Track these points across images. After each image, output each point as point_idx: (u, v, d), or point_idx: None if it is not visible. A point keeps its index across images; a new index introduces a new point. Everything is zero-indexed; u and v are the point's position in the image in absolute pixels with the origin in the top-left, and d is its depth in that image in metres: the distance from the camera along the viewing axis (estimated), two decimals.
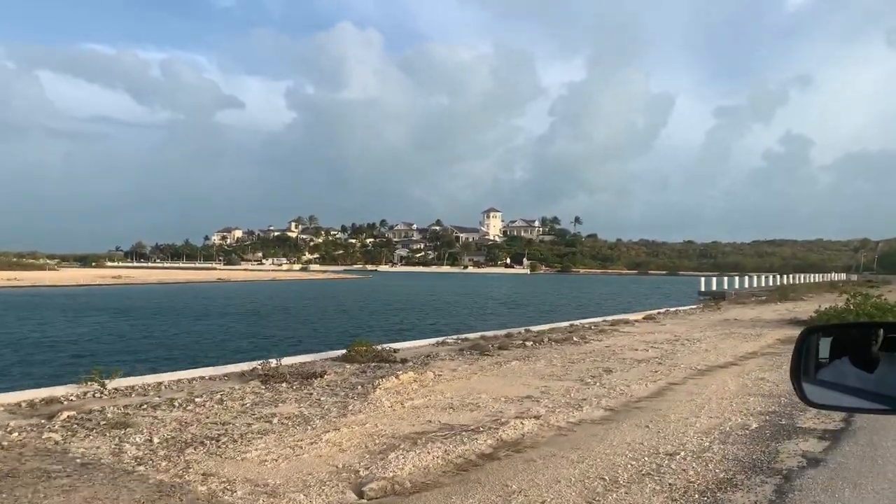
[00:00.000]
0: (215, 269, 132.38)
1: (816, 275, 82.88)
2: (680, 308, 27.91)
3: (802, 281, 71.62)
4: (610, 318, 22.61)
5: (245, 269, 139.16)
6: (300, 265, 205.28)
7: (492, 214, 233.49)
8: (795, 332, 17.87)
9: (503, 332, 16.69)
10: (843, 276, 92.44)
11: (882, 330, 1.78)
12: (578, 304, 48.52)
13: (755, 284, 57.88)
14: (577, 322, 20.89)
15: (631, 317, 22.96)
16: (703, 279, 49.60)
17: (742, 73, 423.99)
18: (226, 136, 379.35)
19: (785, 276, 70.85)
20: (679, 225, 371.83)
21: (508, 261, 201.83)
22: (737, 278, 56.51)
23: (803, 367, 1.94)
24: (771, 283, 59.62)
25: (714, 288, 49.90)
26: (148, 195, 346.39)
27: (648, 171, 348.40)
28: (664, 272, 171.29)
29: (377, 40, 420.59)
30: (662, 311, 25.99)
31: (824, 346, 1.91)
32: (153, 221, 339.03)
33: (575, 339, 15.25)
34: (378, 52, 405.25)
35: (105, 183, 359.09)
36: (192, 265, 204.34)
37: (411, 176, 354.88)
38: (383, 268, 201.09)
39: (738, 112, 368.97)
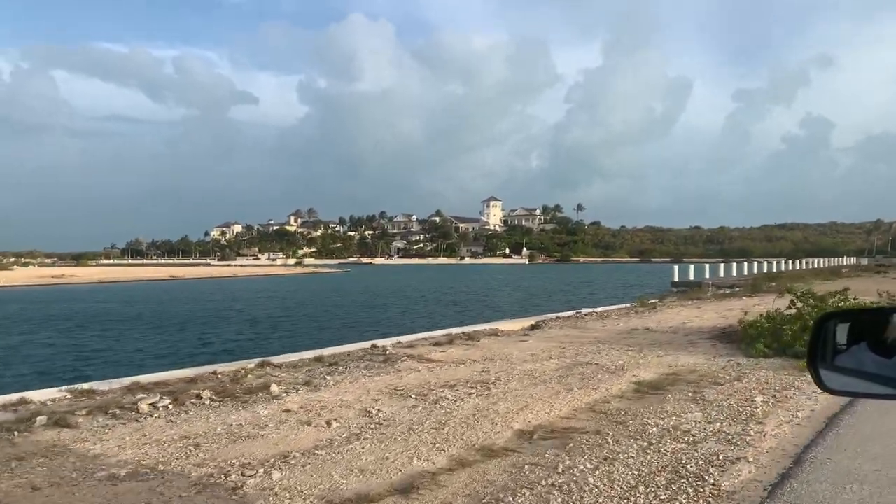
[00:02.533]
0: (172, 264, 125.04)
1: (822, 260, 75.18)
2: (599, 308, 21.02)
3: (803, 267, 64.13)
4: (485, 326, 15.90)
5: (220, 266, 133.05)
6: (295, 260, 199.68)
7: (492, 203, 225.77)
8: (696, 361, 10.84)
9: (194, 371, 10.03)
10: (852, 260, 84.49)
11: None
12: (526, 299, 41.65)
13: (745, 272, 50.59)
14: (417, 336, 14.23)
15: (512, 325, 16.25)
16: (676, 267, 42.40)
17: (761, 55, 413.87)
18: (239, 132, 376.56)
19: (788, 262, 63.81)
20: (691, 211, 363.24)
21: (507, 251, 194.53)
22: (722, 265, 49.29)
23: (820, 353, 1.87)
24: (764, 270, 52.41)
25: (692, 277, 42.76)
26: (162, 192, 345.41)
27: (663, 158, 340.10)
28: (668, 259, 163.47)
29: (389, 31, 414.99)
30: (570, 314, 19.16)
31: (842, 332, 1.85)
32: (166, 218, 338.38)
33: (274, 388, 8.51)
34: (390, 43, 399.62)
35: (120, 181, 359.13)
36: (186, 261, 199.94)
37: (423, 167, 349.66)
38: (378, 260, 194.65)
39: (756, 95, 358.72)
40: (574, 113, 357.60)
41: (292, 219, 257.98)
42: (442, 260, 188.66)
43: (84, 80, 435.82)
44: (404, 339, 13.50)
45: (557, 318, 18.05)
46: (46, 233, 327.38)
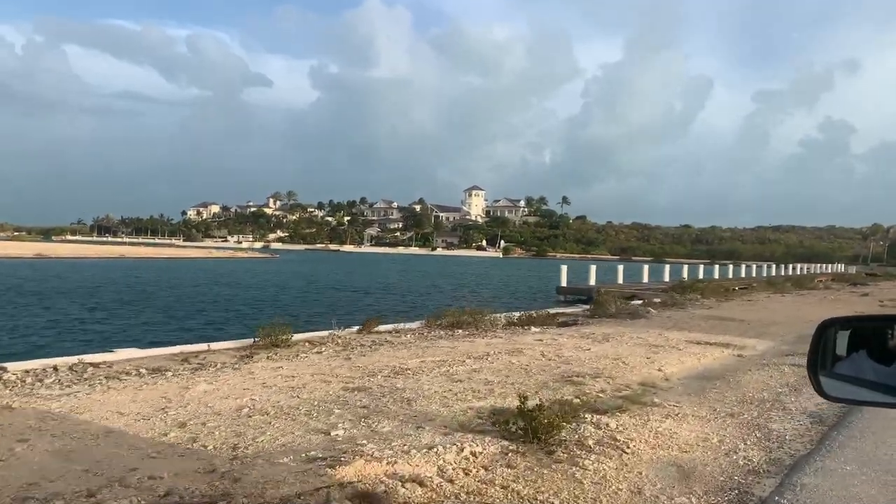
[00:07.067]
0: (121, 243, 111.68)
1: (803, 266, 63.49)
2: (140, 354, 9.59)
3: (773, 273, 52.65)
4: None
5: (180, 247, 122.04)
6: (263, 243, 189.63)
7: (474, 193, 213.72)
8: None
9: None
10: (840, 267, 72.66)
11: None
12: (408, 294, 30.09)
13: (684, 275, 39.04)
14: None
15: None
16: (564, 268, 30.58)
17: (781, 58, 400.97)
18: (250, 114, 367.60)
19: (767, 267, 52.54)
20: (689, 210, 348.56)
21: (483, 243, 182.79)
22: (646, 268, 37.65)
23: (820, 360, 1.84)
24: (729, 275, 40.99)
25: (592, 282, 31.17)
26: (167, 170, 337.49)
27: (674, 156, 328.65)
28: (650, 258, 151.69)
29: (406, 18, 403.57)
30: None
31: (842, 340, 1.83)
32: (166, 195, 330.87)
33: None
34: (406, 31, 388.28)
35: (127, 157, 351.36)
36: (146, 240, 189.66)
37: (427, 156, 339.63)
38: (347, 247, 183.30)
39: (776, 97, 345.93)
40: (588, 108, 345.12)
41: (271, 201, 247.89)
42: (414, 250, 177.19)
43: (96, 55, 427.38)
44: None
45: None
46: (52, 206, 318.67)
